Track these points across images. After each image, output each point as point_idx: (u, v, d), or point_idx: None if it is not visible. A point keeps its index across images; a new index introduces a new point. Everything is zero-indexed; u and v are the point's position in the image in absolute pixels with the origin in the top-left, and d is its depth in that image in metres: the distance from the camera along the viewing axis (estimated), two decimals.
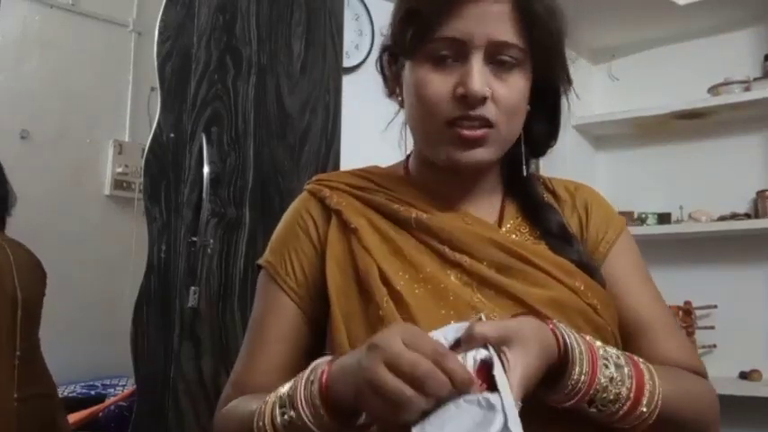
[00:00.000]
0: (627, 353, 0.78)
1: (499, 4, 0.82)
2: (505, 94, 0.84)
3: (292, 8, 2.13)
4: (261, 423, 0.74)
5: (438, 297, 0.82)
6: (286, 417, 0.72)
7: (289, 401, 0.72)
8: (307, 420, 0.70)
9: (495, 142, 0.85)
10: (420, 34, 0.84)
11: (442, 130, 0.84)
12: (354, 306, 0.84)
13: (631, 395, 0.73)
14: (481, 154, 0.85)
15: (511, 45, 0.83)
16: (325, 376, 0.71)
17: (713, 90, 2.80)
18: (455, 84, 0.83)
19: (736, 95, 2.72)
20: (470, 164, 0.86)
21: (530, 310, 0.81)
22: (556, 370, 0.72)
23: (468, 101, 0.82)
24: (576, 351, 0.72)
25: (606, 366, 0.73)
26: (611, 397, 0.72)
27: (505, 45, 0.83)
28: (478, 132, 0.83)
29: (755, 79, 2.74)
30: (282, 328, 0.90)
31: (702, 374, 0.88)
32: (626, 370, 0.74)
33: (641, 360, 0.78)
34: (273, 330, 0.90)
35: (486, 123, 0.83)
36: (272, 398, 0.76)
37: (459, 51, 0.83)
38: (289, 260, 0.92)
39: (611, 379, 0.73)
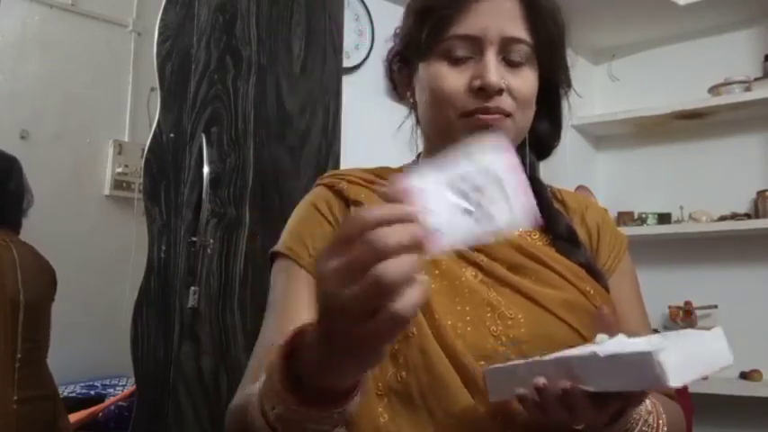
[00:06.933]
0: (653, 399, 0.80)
1: (510, 1, 0.87)
2: (519, 85, 0.87)
3: (292, 8, 2.13)
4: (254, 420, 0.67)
5: (454, 293, 0.85)
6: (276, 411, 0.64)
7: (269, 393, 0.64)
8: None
9: (509, 132, 0.87)
10: (435, 32, 0.87)
11: (457, 121, 0.86)
12: None
13: None
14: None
15: (522, 41, 0.87)
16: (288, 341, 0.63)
17: (713, 90, 2.80)
18: (471, 78, 0.86)
19: (737, 95, 2.72)
20: None
21: (544, 309, 0.84)
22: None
23: (485, 92, 0.84)
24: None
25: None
26: None
27: (517, 41, 0.87)
28: (495, 116, 0.85)
29: (755, 79, 2.74)
30: (306, 304, 0.86)
31: (675, 399, 0.93)
32: (651, 418, 0.78)
33: (659, 404, 0.80)
34: (297, 308, 0.86)
35: (503, 114, 0.86)
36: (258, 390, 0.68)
37: (474, 47, 0.86)
38: (311, 243, 0.90)
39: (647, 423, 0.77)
